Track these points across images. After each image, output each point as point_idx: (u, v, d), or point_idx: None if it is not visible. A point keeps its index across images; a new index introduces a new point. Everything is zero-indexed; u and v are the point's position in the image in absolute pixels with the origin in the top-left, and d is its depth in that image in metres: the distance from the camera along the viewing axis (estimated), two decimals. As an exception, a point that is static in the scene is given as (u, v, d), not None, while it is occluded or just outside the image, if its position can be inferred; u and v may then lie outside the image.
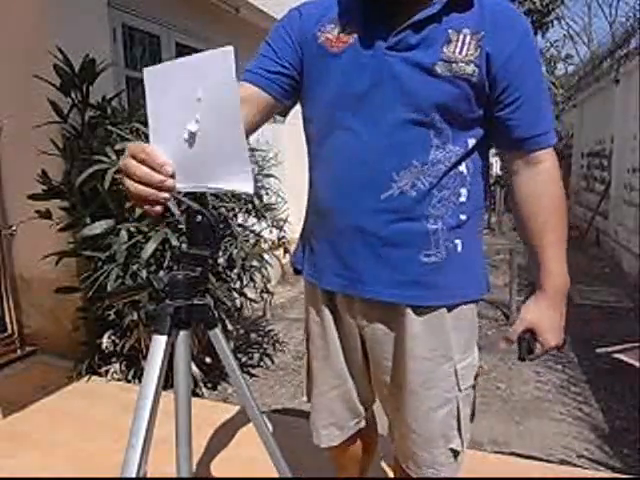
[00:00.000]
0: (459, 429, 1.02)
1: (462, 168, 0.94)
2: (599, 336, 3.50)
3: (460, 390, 1.01)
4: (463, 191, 0.95)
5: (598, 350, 2.97)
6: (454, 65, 0.87)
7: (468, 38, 0.88)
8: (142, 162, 0.73)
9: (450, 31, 0.89)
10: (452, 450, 1.03)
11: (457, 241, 0.96)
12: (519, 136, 0.94)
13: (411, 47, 0.88)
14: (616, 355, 2.80)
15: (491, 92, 0.91)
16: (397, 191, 0.92)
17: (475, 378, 1.06)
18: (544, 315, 0.99)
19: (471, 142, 0.94)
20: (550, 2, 8.97)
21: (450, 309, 0.99)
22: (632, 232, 5.41)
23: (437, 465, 1.02)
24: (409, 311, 0.97)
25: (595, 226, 6.98)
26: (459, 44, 0.88)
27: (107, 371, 2.50)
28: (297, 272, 1.16)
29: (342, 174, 0.95)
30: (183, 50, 3.71)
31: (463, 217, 0.96)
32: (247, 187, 0.73)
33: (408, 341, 0.98)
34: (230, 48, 0.67)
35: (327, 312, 1.08)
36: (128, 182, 0.74)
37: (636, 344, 2.80)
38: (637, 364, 2.64)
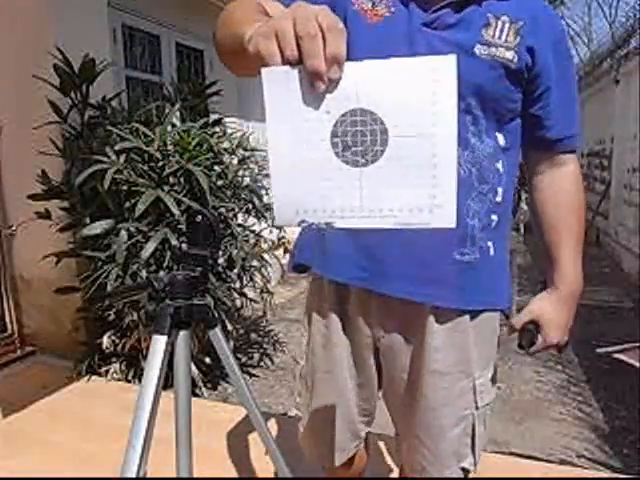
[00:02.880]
0: (472, 447, 0.98)
1: (499, 165, 0.91)
2: (599, 336, 3.50)
3: (477, 408, 0.96)
4: (500, 190, 0.92)
5: (598, 350, 2.97)
6: (493, 49, 0.85)
7: (507, 25, 0.86)
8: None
9: (489, 15, 0.86)
10: (463, 469, 0.99)
11: (489, 243, 0.92)
12: (552, 136, 0.93)
13: (449, 26, 0.85)
14: (616, 355, 2.80)
15: (530, 87, 0.89)
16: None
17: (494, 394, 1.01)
18: (553, 311, 0.98)
19: (502, 138, 0.90)
20: (550, 2, 8.96)
21: (473, 317, 0.93)
22: (632, 232, 5.41)
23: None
24: (431, 318, 0.91)
25: (595, 226, 6.98)
26: (498, 29, 0.86)
27: (107, 371, 2.50)
28: (301, 270, 1.01)
29: None
30: (183, 50, 3.72)
31: (495, 218, 0.92)
32: (449, 222, 0.54)
33: (428, 354, 0.92)
34: (453, 57, 0.51)
35: (335, 317, 0.98)
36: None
37: (636, 344, 2.80)
38: (637, 364, 2.64)
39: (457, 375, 0.93)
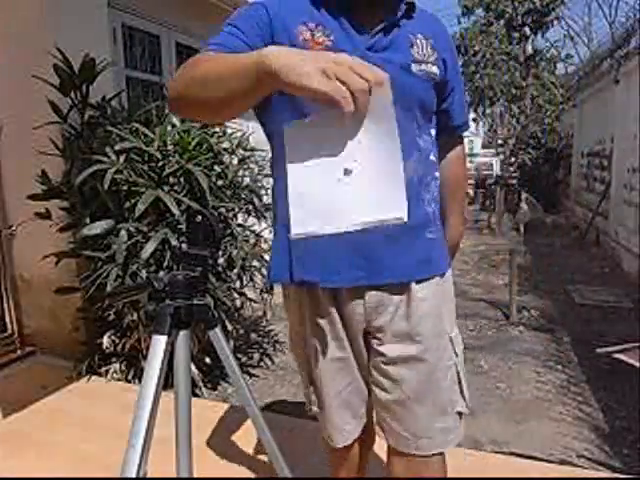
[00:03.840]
0: (461, 391, 1.11)
1: (432, 156, 1.08)
2: (599, 336, 3.50)
3: (457, 355, 1.10)
4: (437, 175, 1.11)
5: (598, 350, 2.97)
6: (424, 65, 1.01)
7: (424, 42, 1.02)
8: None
9: (410, 36, 1.01)
10: (458, 413, 1.10)
11: (438, 221, 1.11)
12: (456, 124, 1.17)
13: (384, 48, 0.98)
14: (616, 355, 2.80)
15: (441, 89, 1.07)
16: (406, 179, 0.95)
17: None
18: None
19: (433, 133, 1.09)
20: (550, 2, 8.97)
21: (439, 281, 1.09)
22: (632, 232, 5.41)
23: (447, 431, 1.08)
24: (414, 291, 1.04)
25: (595, 226, 6.97)
26: (420, 47, 1.01)
27: (107, 371, 2.50)
28: (271, 285, 1.14)
29: None
30: (183, 50, 3.71)
31: (438, 199, 1.11)
32: (401, 212, 0.75)
33: (415, 304, 1.05)
34: (386, 75, 0.70)
35: (334, 311, 1.07)
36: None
37: (636, 344, 2.80)
38: (637, 364, 2.64)
39: (439, 333, 1.08)
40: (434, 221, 1.08)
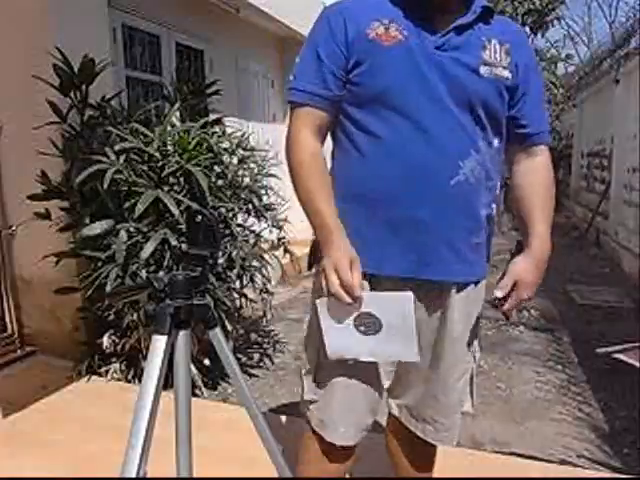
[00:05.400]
0: (471, 392, 1.19)
1: (498, 163, 1.11)
2: (599, 336, 3.50)
3: (475, 360, 1.18)
4: (498, 184, 1.12)
5: (598, 350, 2.97)
6: (494, 69, 1.03)
7: (498, 47, 1.05)
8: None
9: (483, 39, 1.04)
10: (462, 412, 1.19)
11: (489, 227, 1.13)
12: (530, 132, 1.14)
13: (455, 48, 1.01)
14: (616, 355, 2.80)
15: (512, 94, 1.08)
16: (462, 177, 1.02)
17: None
18: (529, 270, 1.11)
19: (497, 141, 1.09)
20: (550, 2, 8.97)
21: (474, 287, 1.13)
22: (632, 232, 5.41)
23: (453, 428, 1.17)
24: (453, 292, 1.08)
25: (595, 226, 6.97)
26: (493, 51, 1.04)
27: (107, 371, 2.50)
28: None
29: (409, 162, 1.01)
30: (183, 50, 3.72)
31: (494, 206, 1.13)
32: (412, 358, 1.04)
33: (450, 325, 1.10)
34: (410, 295, 0.98)
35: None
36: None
37: (636, 344, 2.80)
38: (637, 364, 2.64)
39: (466, 339, 1.14)
40: (485, 226, 1.10)
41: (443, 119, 1.01)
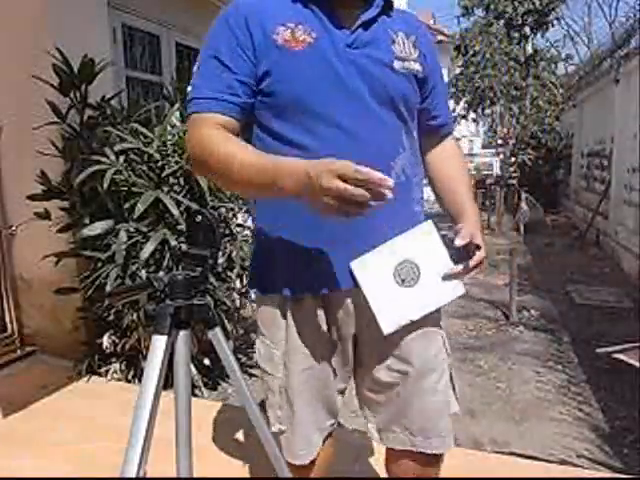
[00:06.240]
0: (454, 391, 1.10)
1: (418, 155, 1.09)
2: (599, 336, 3.50)
3: (448, 355, 1.10)
4: (422, 176, 1.11)
5: (598, 350, 2.97)
6: (406, 63, 1.00)
7: (405, 40, 1.02)
8: (357, 184, 0.73)
9: (390, 32, 1.00)
10: (450, 415, 1.09)
11: (422, 218, 1.09)
12: (441, 122, 1.15)
13: (365, 44, 0.97)
14: (616, 355, 2.80)
15: (423, 87, 1.06)
16: (395, 177, 0.97)
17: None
18: (477, 231, 1.08)
19: (415, 135, 1.08)
20: (550, 2, 8.96)
21: None
22: (632, 232, 5.41)
23: (443, 432, 1.06)
24: None
25: (595, 226, 6.97)
26: (401, 44, 1.01)
27: (107, 371, 2.50)
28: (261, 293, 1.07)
29: None
30: (183, 50, 3.71)
31: (422, 197, 1.10)
32: (460, 291, 1.02)
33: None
34: (430, 222, 0.99)
35: (322, 316, 1.03)
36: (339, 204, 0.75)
37: (636, 344, 2.80)
38: (637, 364, 2.64)
39: (435, 332, 1.07)
40: (421, 221, 1.05)
41: (368, 120, 0.96)
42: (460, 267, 1.01)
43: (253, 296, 1.07)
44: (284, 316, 1.04)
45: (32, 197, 2.34)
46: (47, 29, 2.45)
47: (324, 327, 1.04)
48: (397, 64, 0.99)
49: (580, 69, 9.19)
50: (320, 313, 1.03)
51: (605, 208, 6.70)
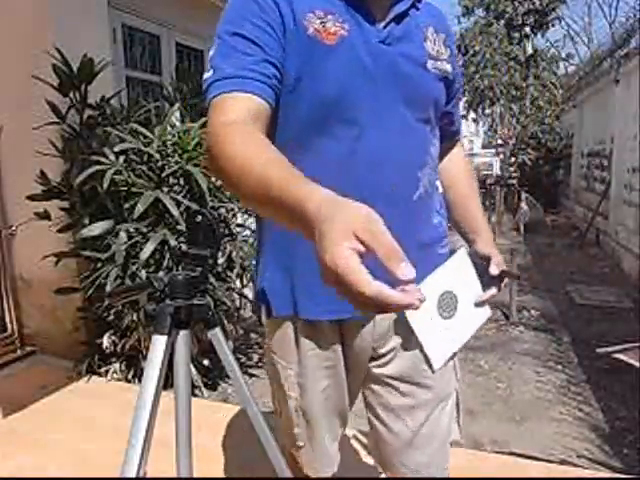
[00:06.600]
0: (457, 418, 1.05)
1: (437, 161, 1.01)
2: (599, 336, 3.50)
3: (458, 380, 1.04)
4: (438, 184, 1.03)
5: (598, 350, 2.97)
6: (438, 63, 0.91)
7: (436, 37, 0.92)
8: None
9: (422, 27, 0.91)
10: (451, 442, 1.04)
11: (446, 230, 1.03)
12: (456, 129, 1.09)
13: (398, 40, 0.86)
14: (616, 355, 2.79)
15: (450, 91, 0.98)
16: (422, 190, 0.91)
17: None
18: (495, 249, 1.07)
19: (437, 139, 0.99)
20: (550, 2, 8.97)
21: None
22: (632, 232, 5.41)
23: (443, 462, 1.03)
24: None
25: (595, 226, 6.97)
26: (433, 42, 0.91)
27: (107, 371, 2.50)
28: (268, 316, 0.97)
29: (367, 177, 0.84)
30: (183, 50, 3.71)
31: (444, 208, 1.04)
32: (488, 313, 1.03)
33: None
34: (463, 250, 0.99)
35: (337, 341, 0.95)
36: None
37: (636, 344, 2.80)
38: (637, 364, 2.64)
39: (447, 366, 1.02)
40: (444, 232, 1.00)
41: (399, 128, 0.86)
42: (491, 293, 1.01)
43: (263, 318, 1.00)
44: (297, 336, 0.96)
45: (32, 197, 2.34)
46: (47, 29, 2.45)
47: (339, 350, 0.96)
48: (430, 64, 0.89)
49: (580, 69, 9.19)
50: (336, 336, 0.95)
51: (605, 208, 6.70)
